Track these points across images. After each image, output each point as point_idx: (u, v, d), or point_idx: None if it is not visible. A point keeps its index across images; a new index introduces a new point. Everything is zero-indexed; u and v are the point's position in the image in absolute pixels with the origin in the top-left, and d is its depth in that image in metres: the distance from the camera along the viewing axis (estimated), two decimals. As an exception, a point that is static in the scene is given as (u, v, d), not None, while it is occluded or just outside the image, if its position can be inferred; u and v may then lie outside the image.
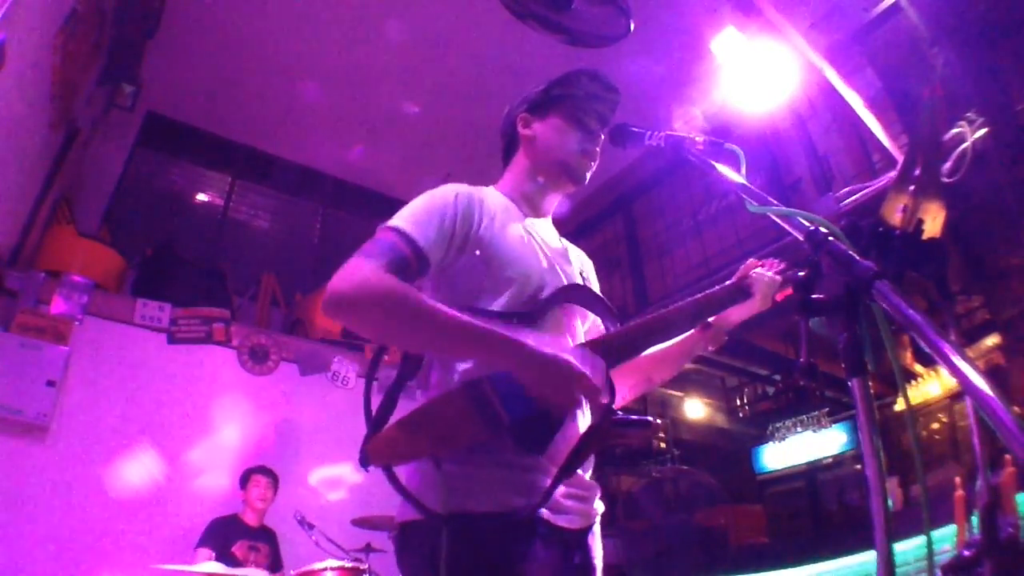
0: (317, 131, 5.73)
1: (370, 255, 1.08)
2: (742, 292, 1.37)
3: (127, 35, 4.31)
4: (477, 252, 1.20)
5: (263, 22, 4.72)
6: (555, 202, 1.45)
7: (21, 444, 3.57)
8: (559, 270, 1.30)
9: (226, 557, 3.31)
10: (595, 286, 1.47)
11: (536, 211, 1.40)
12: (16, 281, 3.82)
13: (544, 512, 1.08)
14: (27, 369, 3.59)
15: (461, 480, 1.07)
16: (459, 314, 1.04)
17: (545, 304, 1.21)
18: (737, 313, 1.40)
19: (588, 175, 1.38)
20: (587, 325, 1.36)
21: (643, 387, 1.42)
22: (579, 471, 1.16)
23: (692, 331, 1.38)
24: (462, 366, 1.15)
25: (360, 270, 1.06)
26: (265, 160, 6.07)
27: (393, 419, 1.12)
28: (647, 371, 1.41)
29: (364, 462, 1.09)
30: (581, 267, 1.44)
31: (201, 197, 5.96)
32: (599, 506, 1.25)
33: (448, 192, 1.23)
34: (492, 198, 1.31)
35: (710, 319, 1.39)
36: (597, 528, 1.24)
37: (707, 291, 1.35)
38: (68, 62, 3.43)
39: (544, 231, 1.38)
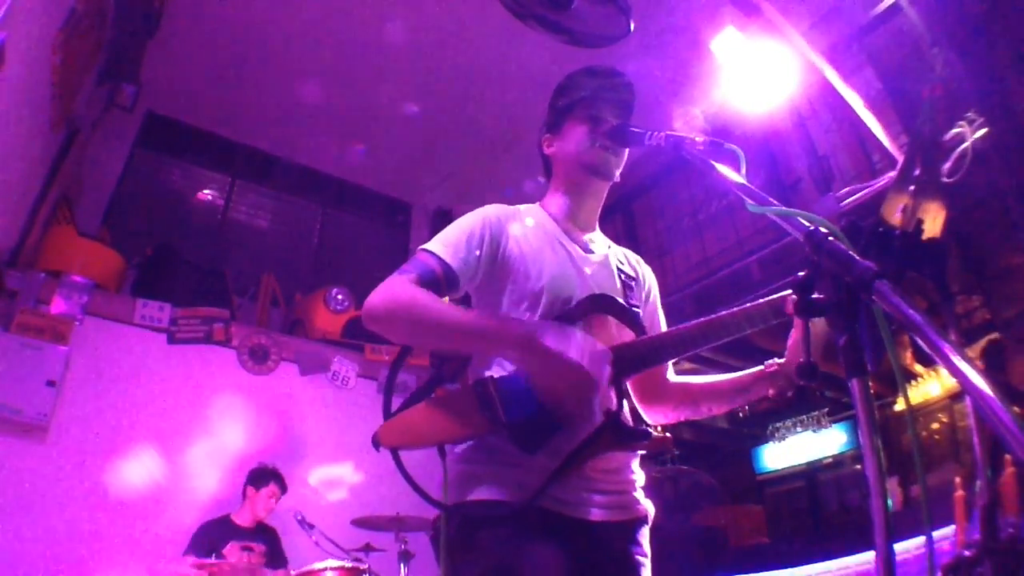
0: (317, 131, 5.72)
1: (402, 271, 1.22)
2: (775, 312, 1.14)
3: (127, 35, 4.31)
4: (507, 267, 1.30)
5: (263, 22, 4.71)
6: (595, 209, 1.47)
7: (21, 444, 3.57)
8: (593, 281, 1.34)
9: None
10: (651, 291, 1.48)
11: (576, 223, 1.44)
12: (16, 281, 3.82)
13: (545, 503, 1.14)
14: (27, 369, 3.58)
15: (464, 476, 1.19)
16: (469, 314, 1.21)
17: (572, 313, 1.25)
18: (791, 353, 1.22)
19: (613, 167, 1.38)
20: (623, 336, 1.33)
21: (688, 411, 1.40)
22: (607, 467, 1.22)
23: (753, 370, 1.29)
24: (481, 368, 1.25)
25: (390, 284, 1.19)
26: (265, 160, 6.07)
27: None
28: (695, 397, 1.39)
29: (376, 444, 1.22)
30: (629, 274, 1.43)
31: (201, 197, 5.96)
32: (645, 504, 1.28)
33: (479, 214, 1.34)
34: (528, 215, 1.39)
35: (778, 361, 1.25)
36: (643, 530, 1.27)
37: (742, 306, 1.17)
38: (68, 62, 3.43)
39: (586, 241, 1.42)
